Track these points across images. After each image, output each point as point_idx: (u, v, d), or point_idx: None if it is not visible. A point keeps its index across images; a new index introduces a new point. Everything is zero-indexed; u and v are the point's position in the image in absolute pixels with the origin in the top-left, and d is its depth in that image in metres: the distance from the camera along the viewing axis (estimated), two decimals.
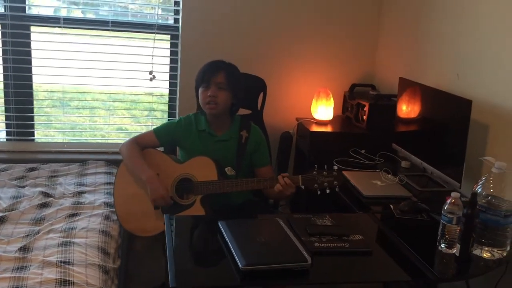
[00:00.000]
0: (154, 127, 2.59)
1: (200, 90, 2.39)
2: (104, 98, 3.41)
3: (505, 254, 1.81)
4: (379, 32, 3.44)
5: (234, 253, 1.62)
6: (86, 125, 3.48)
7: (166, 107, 3.44)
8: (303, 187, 2.26)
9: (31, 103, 3.19)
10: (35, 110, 3.23)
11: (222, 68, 2.37)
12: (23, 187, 2.67)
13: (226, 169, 2.39)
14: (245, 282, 1.55)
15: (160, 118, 3.47)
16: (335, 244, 1.77)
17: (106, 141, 3.39)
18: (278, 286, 1.96)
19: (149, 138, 2.48)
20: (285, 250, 1.65)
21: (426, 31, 2.90)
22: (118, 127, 3.57)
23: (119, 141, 3.36)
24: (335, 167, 2.24)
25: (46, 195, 2.58)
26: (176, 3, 3.23)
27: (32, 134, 3.26)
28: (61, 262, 1.92)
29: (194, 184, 2.33)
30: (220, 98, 2.35)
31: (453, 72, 2.61)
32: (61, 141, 3.31)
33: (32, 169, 2.92)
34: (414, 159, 2.69)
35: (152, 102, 3.46)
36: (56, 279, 1.81)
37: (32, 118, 3.22)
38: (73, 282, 1.81)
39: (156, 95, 3.43)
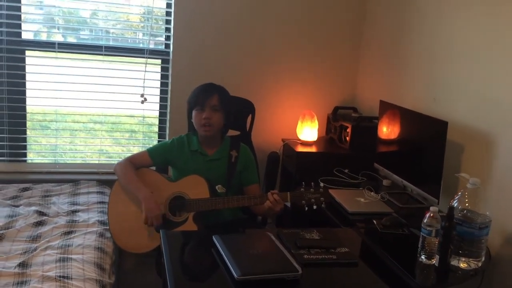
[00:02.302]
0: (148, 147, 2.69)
1: (194, 113, 2.50)
2: (97, 120, 3.50)
3: (480, 265, 1.94)
4: (360, 58, 3.62)
5: (229, 264, 1.71)
6: (77, 146, 3.55)
7: (156, 129, 3.55)
8: (289, 204, 2.37)
9: (24, 125, 3.27)
10: (27, 132, 3.30)
11: (215, 91, 2.50)
12: (18, 206, 2.73)
13: (216, 187, 2.49)
14: None
15: (152, 139, 3.56)
16: (323, 256, 1.88)
17: (98, 162, 3.47)
18: None
19: (142, 158, 2.57)
20: (277, 261, 1.75)
21: (405, 58, 3.08)
22: (109, 149, 3.65)
23: (110, 162, 3.45)
24: (322, 185, 2.36)
25: (41, 213, 2.64)
26: (167, 30, 3.36)
27: (25, 155, 3.32)
28: (60, 276, 1.99)
29: (187, 202, 2.42)
30: (214, 120, 2.47)
31: (430, 96, 2.78)
32: (52, 162, 3.38)
33: (25, 189, 2.98)
34: (394, 177, 2.82)
35: (146, 125, 3.55)
36: None
37: (24, 140, 3.29)
38: None
39: (140, 117, 3.53)
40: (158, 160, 2.59)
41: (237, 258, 1.73)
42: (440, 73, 2.73)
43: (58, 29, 3.38)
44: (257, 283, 1.66)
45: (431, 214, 1.90)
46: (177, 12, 3.27)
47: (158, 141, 3.48)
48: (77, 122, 3.49)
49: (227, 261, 1.74)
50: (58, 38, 3.34)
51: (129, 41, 3.53)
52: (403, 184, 2.74)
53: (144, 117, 3.50)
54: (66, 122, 3.41)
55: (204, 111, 2.47)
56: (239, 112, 2.86)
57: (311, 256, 1.88)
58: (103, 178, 3.25)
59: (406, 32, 3.07)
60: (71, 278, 2.00)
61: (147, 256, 2.52)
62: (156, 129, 3.54)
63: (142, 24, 3.55)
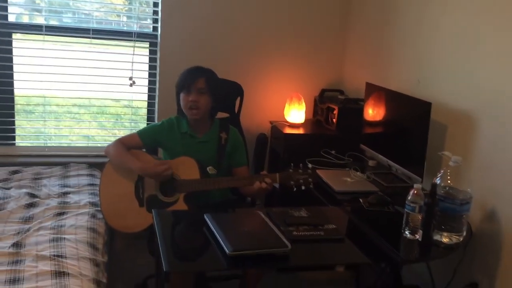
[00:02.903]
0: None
1: (181, 96, 2.53)
2: (86, 104, 3.51)
3: (461, 239, 2.02)
4: (346, 42, 3.67)
5: (220, 240, 1.77)
6: (66, 130, 3.56)
7: (145, 112, 3.57)
8: (277, 185, 2.43)
9: (12, 108, 3.27)
10: (16, 115, 3.30)
11: (202, 74, 2.52)
12: (8, 188, 2.75)
13: (208, 168, 2.53)
14: (231, 266, 1.71)
15: (141, 123, 3.58)
16: (311, 233, 1.95)
17: (87, 145, 3.48)
18: (261, 270, 2.12)
19: (133, 140, 2.60)
20: (267, 238, 1.81)
21: (390, 41, 3.13)
22: (99, 132, 3.66)
23: (99, 145, 3.48)
24: (310, 166, 2.42)
25: (32, 195, 2.66)
26: (155, 12, 3.37)
27: (13, 138, 3.33)
28: (54, 255, 2.03)
29: (178, 183, 2.47)
30: (201, 103, 2.50)
31: (415, 78, 2.84)
32: (42, 145, 3.39)
33: (15, 172, 2.99)
34: (380, 158, 2.89)
35: (135, 108, 3.56)
36: (51, 270, 1.93)
37: (13, 123, 3.30)
38: (68, 273, 1.92)
39: (129, 100, 3.54)
40: (148, 141, 2.62)
41: (228, 235, 1.78)
42: (424, 55, 2.79)
43: (40, 11, 3.35)
44: (248, 258, 1.72)
45: (415, 191, 1.97)
46: None
47: (147, 124, 3.51)
48: (66, 106, 3.50)
49: (218, 238, 1.79)
50: (42, 21, 3.32)
51: (113, 24, 3.51)
52: (388, 164, 2.81)
53: (132, 100, 3.51)
54: (54, 106, 3.42)
55: (190, 94, 2.50)
56: (228, 94, 2.89)
57: (300, 233, 1.94)
58: (93, 161, 3.27)
59: (392, 15, 3.12)
60: (66, 257, 2.04)
61: (137, 237, 2.56)
62: (144, 112, 3.56)
63: (127, 8, 3.54)
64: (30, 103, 3.42)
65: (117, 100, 3.57)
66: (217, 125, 2.65)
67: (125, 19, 3.58)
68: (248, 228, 1.90)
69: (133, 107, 3.54)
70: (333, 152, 3.13)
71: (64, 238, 2.20)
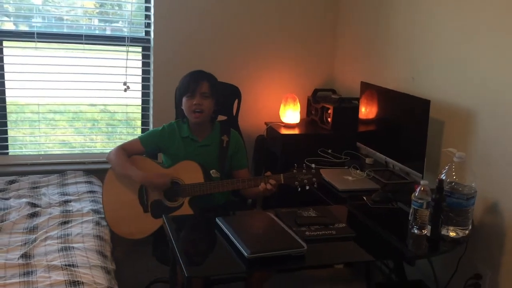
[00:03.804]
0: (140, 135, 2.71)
1: (184, 100, 2.54)
2: (80, 110, 3.48)
3: (467, 233, 2.08)
4: (337, 42, 3.71)
5: (237, 244, 1.78)
6: (61, 137, 3.52)
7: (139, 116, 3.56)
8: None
9: (4, 117, 3.22)
10: (9, 124, 3.26)
11: (205, 78, 2.53)
12: (7, 199, 2.71)
13: (211, 171, 2.54)
14: (250, 268, 1.73)
15: (137, 127, 3.57)
16: (324, 232, 1.98)
17: (83, 152, 3.45)
18: (277, 271, 2.13)
19: (135, 146, 2.60)
20: (283, 239, 1.83)
21: (382, 39, 3.18)
22: (94, 138, 3.63)
23: (95, 152, 3.45)
24: (313, 165, 2.45)
25: (33, 205, 2.63)
26: (147, 17, 3.36)
27: (6, 147, 3.28)
28: (65, 265, 2.02)
29: (182, 187, 2.47)
30: (205, 106, 2.51)
31: (408, 75, 2.89)
32: (36, 153, 3.35)
33: (12, 182, 2.95)
34: (377, 155, 2.94)
35: (129, 113, 3.54)
36: (65, 280, 1.91)
37: (6, 132, 3.25)
38: (82, 282, 1.91)
39: (123, 106, 3.52)
40: (151, 147, 2.62)
41: (244, 238, 1.80)
42: (418, 52, 2.84)
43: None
44: (265, 260, 1.74)
45: (422, 188, 2.01)
46: None
47: (142, 129, 3.49)
48: (60, 112, 3.46)
49: (234, 241, 1.80)
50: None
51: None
52: (385, 161, 2.86)
53: (127, 105, 3.49)
54: (49, 113, 3.38)
55: (194, 98, 2.51)
56: (226, 97, 2.90)
57: (312, 233, 1.97)
58: (89, 168, 3.25)
59: (383, 13, 3.16)
60: (77, 266, 2.02)
61: (136, 244, 2.55)
62: (139, 116, 3.54)
63: (119, 12, 3.52)
64: (25, 112, 3.37)
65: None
66: (218, 129, 2.66)
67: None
68: (262, 230, 1.92)
69: (129, 112, 3.52)
70: (329, 151, 3.17)
71: (73, 247, 2.18)
